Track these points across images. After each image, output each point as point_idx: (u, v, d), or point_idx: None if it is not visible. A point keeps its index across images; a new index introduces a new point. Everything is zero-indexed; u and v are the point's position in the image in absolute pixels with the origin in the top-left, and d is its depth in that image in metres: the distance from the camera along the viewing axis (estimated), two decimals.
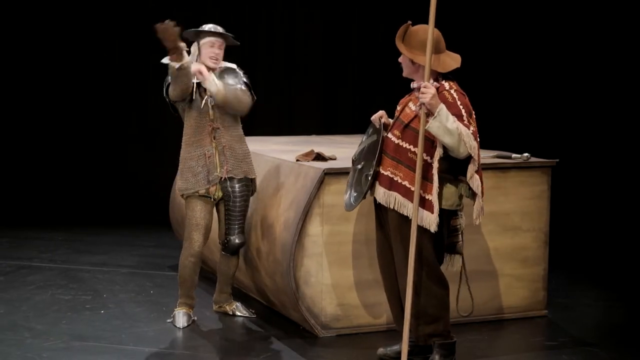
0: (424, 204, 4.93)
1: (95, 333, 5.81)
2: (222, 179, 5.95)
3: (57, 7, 10.07)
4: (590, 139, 9.57)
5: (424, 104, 4.83)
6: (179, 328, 5.93)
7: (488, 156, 6.36)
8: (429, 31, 4.83)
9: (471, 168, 4.97)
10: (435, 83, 4.97)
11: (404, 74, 5.13)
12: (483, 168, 5.96)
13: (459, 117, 4.87)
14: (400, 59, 5.11)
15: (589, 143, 9.57)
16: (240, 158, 5.99)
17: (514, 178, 6.23)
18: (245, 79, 6.00)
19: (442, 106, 4.83)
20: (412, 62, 5.03)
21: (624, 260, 8.23)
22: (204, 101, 5.88)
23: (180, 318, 6.00)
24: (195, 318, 6.09)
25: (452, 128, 4.82)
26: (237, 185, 5.99)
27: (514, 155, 6.31)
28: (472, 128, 4.91)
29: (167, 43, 5.49)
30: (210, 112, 5.91)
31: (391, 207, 5.03)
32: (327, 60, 10.47)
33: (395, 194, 5.01)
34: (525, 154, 6.30)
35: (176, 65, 5.57)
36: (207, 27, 5.94)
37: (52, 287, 6.92)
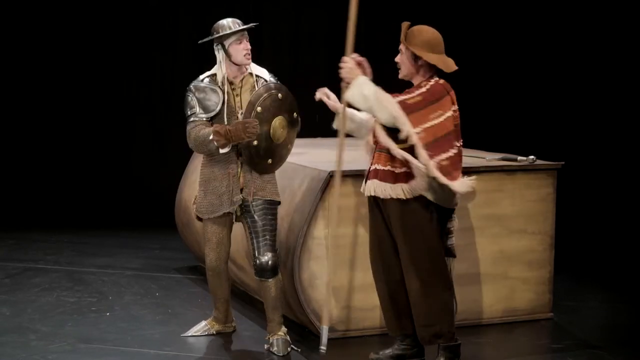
0: (396, 178, 4.95)
1: (101, 335, 5.81)
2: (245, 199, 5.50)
3: (61, 7, 10.07)
4: (596, 141, 9.55)
5: (343, 79, 4.86)
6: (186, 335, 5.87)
7: (494, 158, 6.35)
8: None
9: (421, 153, 4.84)
10: (436, 79, 5.02)
11: (401, 76, 5.13)
12: (489, 171, 6.01)
13: (404, 94, 4.88)
14: (397, 59, 5.10)
15: (594, 145, 9.55)
16: (266, 179, 5.54)
17: (520, 181, 6.22)
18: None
19: (361, 76, 4.85)
20: (414, 61, 5.02)
21: (629, 263, 8.21)
22: (236, 117, 5.46)
23: (194, 326, 5.91)
24: (214, 332, 5.88)
25: (368, 93, 4.86)
26: (258, 203, 5.49)
27: (519, 157, 6.30)
28: (408, 101, 4.86)
29: (237, 137, 5.30)
30: None
31: (372, 193, 5.05)
32: (332, 61, 10.44)
33: (376, 181, 5.05)
34: (531, 157, 6.29)
35: (220, 149, 5.35)
36: (227, 25, 5.50)
37: (57, 290, 6.93)
